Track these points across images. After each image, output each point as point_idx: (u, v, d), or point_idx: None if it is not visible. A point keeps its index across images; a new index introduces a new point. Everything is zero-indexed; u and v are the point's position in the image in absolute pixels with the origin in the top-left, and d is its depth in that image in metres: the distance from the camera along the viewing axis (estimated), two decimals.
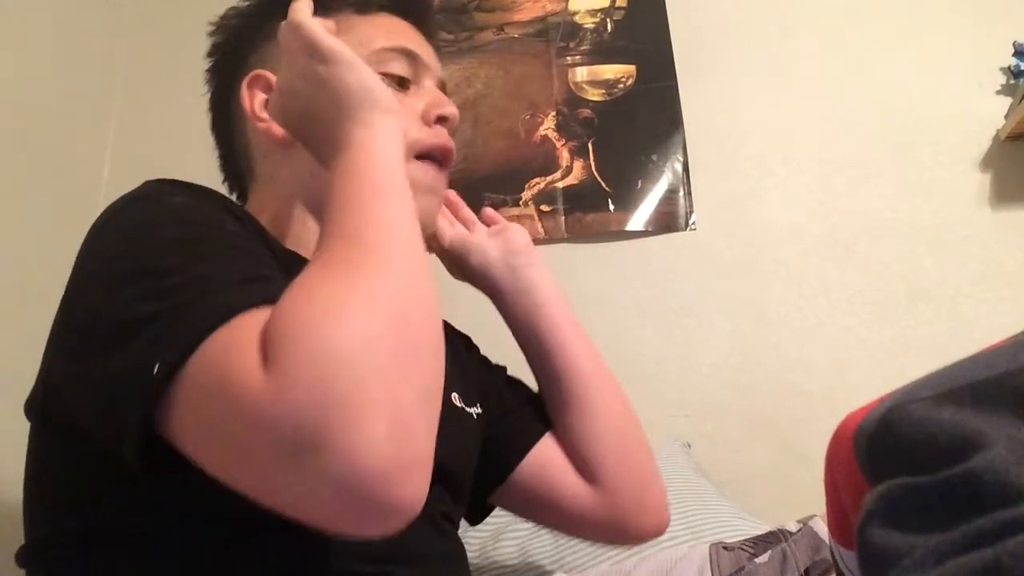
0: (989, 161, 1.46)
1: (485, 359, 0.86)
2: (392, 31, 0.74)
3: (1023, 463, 0.28)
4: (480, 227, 0.85)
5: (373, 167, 0.52)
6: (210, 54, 0.78)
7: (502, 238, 0.81)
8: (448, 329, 0.83)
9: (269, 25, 0.73)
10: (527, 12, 1.72)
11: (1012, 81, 1.47)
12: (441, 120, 0.72)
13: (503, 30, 1.72)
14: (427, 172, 0.70)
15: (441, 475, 0.63)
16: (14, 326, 0.64)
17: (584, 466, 0.75)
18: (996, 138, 1.45)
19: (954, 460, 0.29)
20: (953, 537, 0.27)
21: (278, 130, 0.68)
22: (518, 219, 1.57)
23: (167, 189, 0.56)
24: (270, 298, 0.43)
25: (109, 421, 0.46)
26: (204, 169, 0.93)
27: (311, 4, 0.59)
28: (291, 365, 0.38)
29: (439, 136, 0.71)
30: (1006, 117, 1.44)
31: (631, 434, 0.78)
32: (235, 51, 0.76)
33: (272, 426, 0.38)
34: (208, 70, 0.79)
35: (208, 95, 0.79)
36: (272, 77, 0.70)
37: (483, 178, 1.61)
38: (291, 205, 0.70)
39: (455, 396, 0.71)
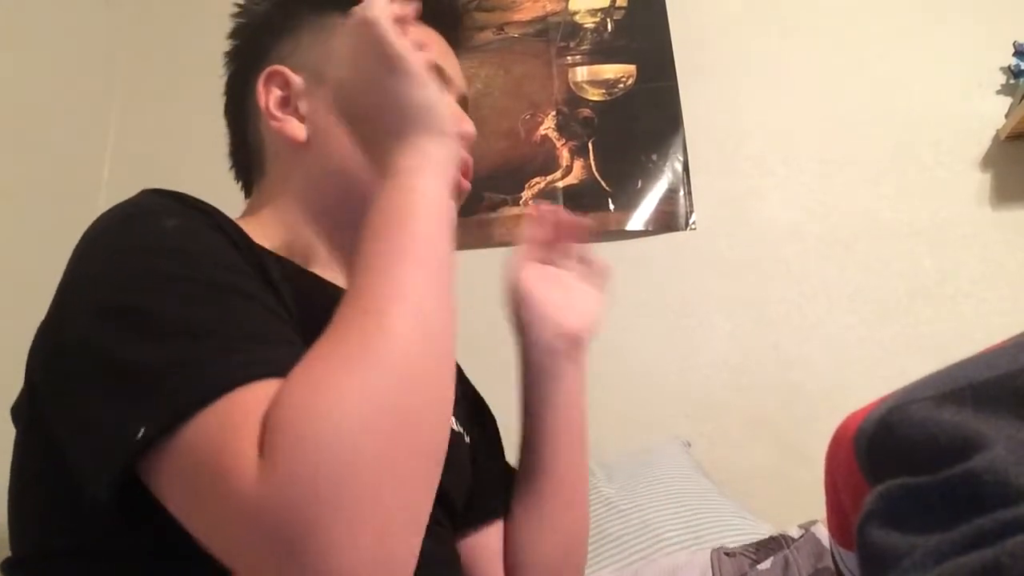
0: (989, 161, 1.46)
1: (477, 392, 0.84)
2: (419, 41, 0.72)
3: (1023, 463, 0.28)
4: (559, 273, 0.77)
5: (413, 212, 0.49)
6: (231, 35, 0.76)
7: (568, 313, 0.74)
8: None
9: (295, 18, 0.72)
10: (527, 12, 1.72)
11: (1012, 81, 1.47)
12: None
13: (503, 30, 1.72)
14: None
15: (439, 496, 0.63)
16: (13, 326, 0.64)
17: (517, 557, 0.73)
18: (996, 138, 1.45)
19: (954, 460, 0.29)
20: (953, 537, 0.27)
21: (292, 130, 0.67)
22: (518, 219, 1.57)
23: (163, 206, 0.53)
24: (276, 370, 0.42)
25: (82, 466, 0.45)
26: (204, 170, 0.92)
27: (390, 3, 0.55)
28: (286, 463, 0.38)
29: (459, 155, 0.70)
30: (1006, 117, 1.44)
31: (577, 552, 0.76)
32: (256, 39, 0.74)
33: (259, 523, 0.37)
34: (227, 52, 0.76)
35: (224, 78, 0.76)
36: (291, 74, 0.68)
37: (483, 178, 1.61)
38: (298, 208, 0.68)
39: (453, 421, 0.69)
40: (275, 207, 0.69)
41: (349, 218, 0.67)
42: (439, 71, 0.71)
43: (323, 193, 0.68)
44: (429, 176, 0.51)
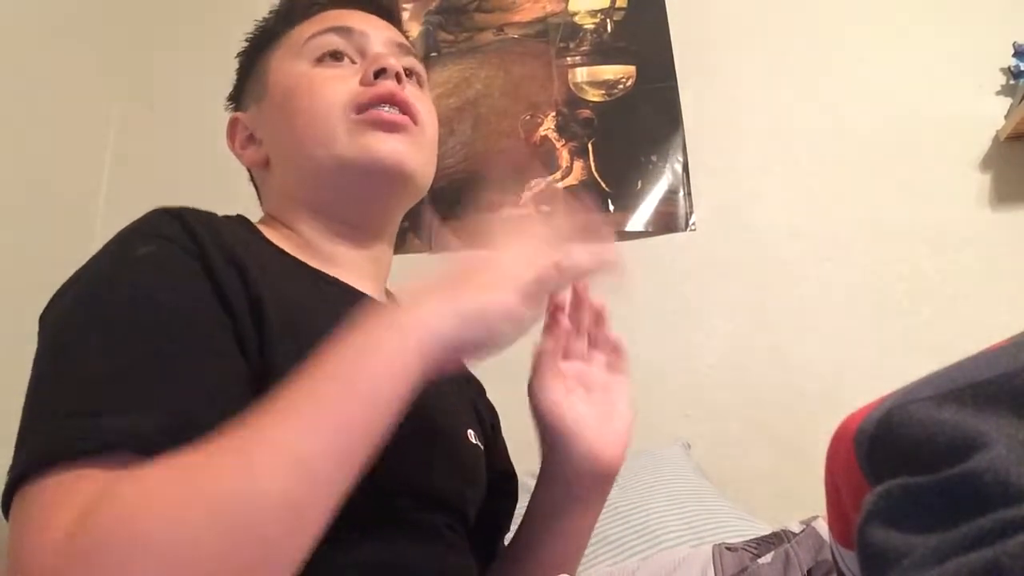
0: (989, 161, 1.46)
1: (497, 419, 0.84)
2: (325, 19, 0.74)
3: (1023, 463, 0.28)
4: (582, 372, 0.71)
5: (358, 363, 0.45)
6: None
7: (603, 437, 0.68)
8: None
9: (252, 64, 0.78)
10: (527, 13, 1.72)
11: (1012, 82, 1.47)
12: (380, 74, 0.68)
13: (503, 31, 1.72)
14: (371, 115, 0.67)
15: (453, 508, 0.63)
16: (14, 329, 0.64)
17: None
18: (996, 139, 1.45)
19: (954, 460, 0.29)
20: (953, 537, 0.27)
21: (253, 157, 0.75)
22: (518, 220, 1.57)
23: (148, 231, 0.54)
24: (140, 444, 0.40)
25: None
26: (203, 172, 0.92)
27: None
28: (76, 566, 0.36)
29: (380, 86, 0.68)
30: (1006, 118, 1.44)
31: None
32: (238, 84, 0.81)
33: None
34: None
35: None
36: (242, 116, 0.76)
37: (483, 178, 1.61)
38: (283, 216, 0.72)
39: (471, 433, 0.69)
40: (276, 218, 0.74)
41: (328, 200, 0.70)
42: (344, 31, 0.72)
43: (301, 190, 0.71)
44: (409, 340, 0.47)
